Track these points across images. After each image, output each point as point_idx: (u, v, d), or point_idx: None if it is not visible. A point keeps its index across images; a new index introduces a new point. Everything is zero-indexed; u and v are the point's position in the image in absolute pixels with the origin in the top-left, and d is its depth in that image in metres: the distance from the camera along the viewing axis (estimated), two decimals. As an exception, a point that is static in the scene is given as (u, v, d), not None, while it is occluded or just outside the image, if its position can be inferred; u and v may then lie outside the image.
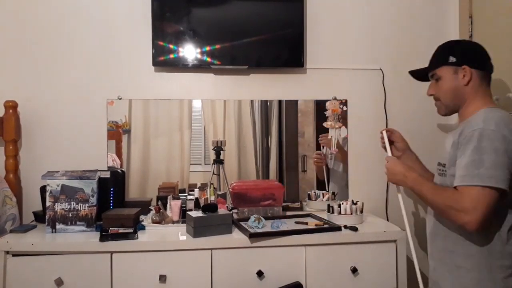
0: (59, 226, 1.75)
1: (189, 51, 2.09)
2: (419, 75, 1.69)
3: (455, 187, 1.31)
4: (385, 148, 1.76)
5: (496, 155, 1.25)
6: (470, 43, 1.57)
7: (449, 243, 1.42)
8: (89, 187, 1.78)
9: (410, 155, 1.77)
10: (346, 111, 2.26)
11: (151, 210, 1.93)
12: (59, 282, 1.59)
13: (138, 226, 1.77)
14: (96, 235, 1.67)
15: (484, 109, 1.38)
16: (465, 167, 1.28)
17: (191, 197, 2.00)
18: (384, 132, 1.75)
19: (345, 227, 1.81)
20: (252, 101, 2.25)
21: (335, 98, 2.25)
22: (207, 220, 1.70)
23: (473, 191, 1.26)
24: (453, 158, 1.37)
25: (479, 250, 1.34)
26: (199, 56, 2.10)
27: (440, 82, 1.50)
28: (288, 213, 2.05)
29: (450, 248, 1.42)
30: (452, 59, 1.46)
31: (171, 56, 2.09)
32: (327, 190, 2.27)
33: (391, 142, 1.77)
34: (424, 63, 2.30)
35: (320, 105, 2.26)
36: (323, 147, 2.28)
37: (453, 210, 1.29)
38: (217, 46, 2.10)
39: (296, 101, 2.27)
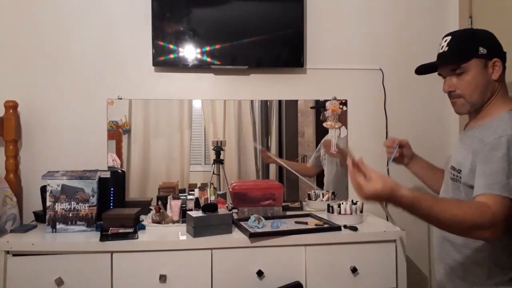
0: (59, 226, 1.75)
1: (189, 51, 2.09)
2: (424, 69, 1.50)
3: (476, 196, 1.18)
4: (388, 160, 1.61)
5: None
6: (489, 33, 1.35)
7: (461, 250, 1.33)
8: (90, 187, 1.78)
9: (420, 162, 1.66)
10: (346, 111, 2.26)
11: (151, 210, 1.93)
12: (59, 282, 1.59)
13: (138, 226, 1.77)
14: (96, 235, 1.67)
15: (508, 112, 1.27)
16: (493, 175, 1.15)
17: (191, 197, 2.00)
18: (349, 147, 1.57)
19: (345, 227, 1.81)
20: (252, 101, 2.25)
21: (335, 98, 2.25)
22: (207, 220, 1.70)
23: (505, 202, 1.12)
24: (471, 165, 1.25)
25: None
26: (199, 56, 2.10)
27: (466, 76, 1.31)
28: (288, 213, 2.05)
29: (461, 255, 1.32)
30: (482, 50, 1.29)
31: (171, 56, 2.09)
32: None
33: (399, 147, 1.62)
34: (424, 63, 2.32)
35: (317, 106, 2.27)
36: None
37: (479, 228, 1.12)
38: (217, 46, 2.10)
39: (296, 101, 2.27)
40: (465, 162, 1.28)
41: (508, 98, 1.33)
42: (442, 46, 1.36)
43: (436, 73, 1.44)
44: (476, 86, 1.31)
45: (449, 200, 1.26)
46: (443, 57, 1.36)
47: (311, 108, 2.28)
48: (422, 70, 1.49)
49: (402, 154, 1.64)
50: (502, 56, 1.31)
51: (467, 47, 1.31)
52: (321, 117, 2.26)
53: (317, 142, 2.29)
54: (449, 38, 1.34)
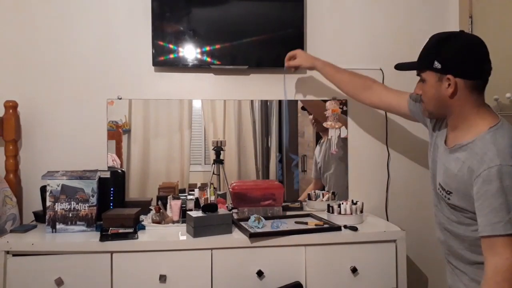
0: (59, 226, 1.75)
1: (189, 51, 2.09)
2: (402, 68, 1.49)
3: (480, 236, 1.17)
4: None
5: None
6: (463, 43, 1.28)
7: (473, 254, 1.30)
8: (89, 187, 1.78)
9: (320, 67, 1.98)
10: (346, 111, 2.26)
11: (151, 210, 1.93)
12: (59, 282, 1.59)
13: (138, 226, 1.77)
14: (96, 235, 1.67)
15: (487, 133, 1.21)
16: (493, 213, 1.12)
17: (191, 197, 2.00)
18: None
19: (345, 227, 1.81)
20: (252, 101, 2.25)
21: (335, 98, 2.25)
22: (207, 220, 1.70)
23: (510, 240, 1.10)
24: (463, 193, 1.24)
25: None
26: (199, 56, 2.10)
27: (425, 85, 1.33)
28: (288, 213, 2.05)
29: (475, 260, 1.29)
30: (436, 64, 1.26)
31: (171, 56, 2.09)
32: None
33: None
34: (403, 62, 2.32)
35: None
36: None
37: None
38: (217, 46, 2.10)
39: (296, 101, 2.27)
40: (455, 187, 1.27)
41: (486, 113, 1.27)
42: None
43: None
44: (430, 97, 1.32)
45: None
46: (405, 66, 1.46)
47: (302, 109, 2.27)
48: (400, 68, 1.51)
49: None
50: (467, 73, 1.24)
51: (425, 57, 1.33)
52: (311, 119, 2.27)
53: (317, 142, 2.29)
54: (428, 40, 1.36)
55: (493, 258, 1.13)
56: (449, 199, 1.30)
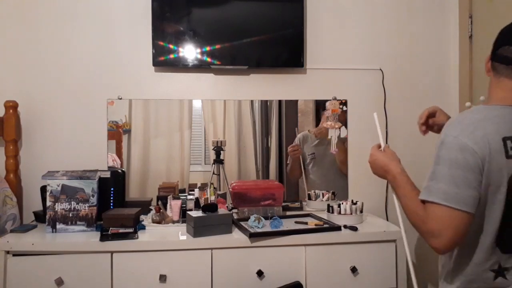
0: (59, 226, 1.75)
1: (189, 51, 2.09)
2: None
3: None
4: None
5: (453, 168, 1.04)
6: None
7: None
8: (90, 187, 1.78)
9: None
10: (346, 111, 2.26)
11: (151, 210, 1.93)
12: (59, 281, 1.59)
13: (138, 226, 1.77)
14: (96, 235, 1.67)
15: (469, 109, 1.18)
16: (428, 178, 1.10)
17: (191, 197, 2.00)
18: (375, 115, 1.48)
19: (345, 227, 1.81)
20: (252, 101, 2.25)
21: (335, 98, 2.25)
22: (207, 220, 1.70)
23: (437, 211, 1.05)
24: None
25: None
26: (199, 56, 2.10)
27: None
28: (288, 213, 2.06)
29: None
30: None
31: (171, 56, 2.09)
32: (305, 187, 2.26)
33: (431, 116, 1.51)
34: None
35: (319, 105, 2.27)
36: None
37: (419, 228, 1.11)
38: (217, 46, 2.10)
39: (296, 101, 2.27)
40: None
41: (489, 94, 1.21)
42: None
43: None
44: None
45: (412, 191, 1.19)
46: None
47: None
48: None
49: (431, 125, 1.53)
50: (493, 53, 1.18)
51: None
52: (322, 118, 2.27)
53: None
54: None
55: (425, 210, 1.12)
56: None
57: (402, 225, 1.36)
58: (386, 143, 2.26)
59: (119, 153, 2.14)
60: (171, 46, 2.08)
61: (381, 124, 2.18)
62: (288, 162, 2.27)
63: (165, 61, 2.09)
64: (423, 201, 1.09)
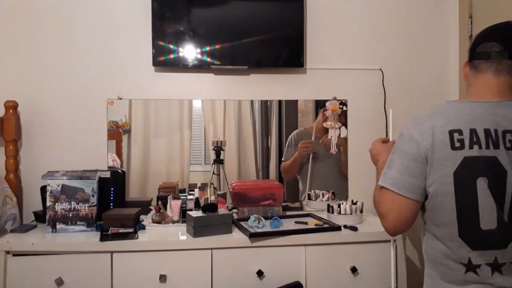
0: (59, 226, 1.75)
1: (189, 51, 2.09)
2: None
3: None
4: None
5: (401, 157, 1.12)
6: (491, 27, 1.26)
7: None
8: (90, 187, 1.78)
9: None
10: (346, 111, 2.26)
11: (151, 210, 1.93)
12: (59, 281, 1.59)
13: (138, 226, 1.78)
14: (96, 235, 1.67)
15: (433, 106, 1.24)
16: (385, 166, 1.18)
17: (191, 197, 2.00)
18: (391, 111, 1.59)
19: (345, 227, 1.81)
20: (252, 101, 2.25)
21: (335, 98, 2.25)
22: (207, 220, 1.70)
23: (387, 195, 1.14)
24: None
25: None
26: (199, 56, 2.10)
27: None
28: (288, 213, 2.06)
29: None
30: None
31: (171, 56, 2.09)
32: (300, 187, 2.26)
33: None
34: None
35: (320, 105, 2.27)
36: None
37: (377, 212, 1.20)
38: (217, 46, 2.10)
39: (296, 101, 2.27)
40: None
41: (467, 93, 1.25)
42: None
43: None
44: None
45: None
46: None
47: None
48: None
49: None
50: (469, 54, 1.24)
51: None
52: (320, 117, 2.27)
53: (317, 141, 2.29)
54: None
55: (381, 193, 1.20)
56: None
57: None
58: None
59: (119, 153, 2.14)
60: (171, 46, 2.08)
61: (379, 127, 2.16)
62: (283, 159, 2.26)
63: (165, 61, 2.09)
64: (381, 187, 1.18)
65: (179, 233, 1.75)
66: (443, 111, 1.14)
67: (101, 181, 1.84)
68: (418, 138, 1.10)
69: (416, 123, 1.14)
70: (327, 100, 2.25)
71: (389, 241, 1.77)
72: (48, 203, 1.75)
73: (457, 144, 1.07)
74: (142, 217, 1.91)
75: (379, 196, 1.18)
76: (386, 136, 1.55)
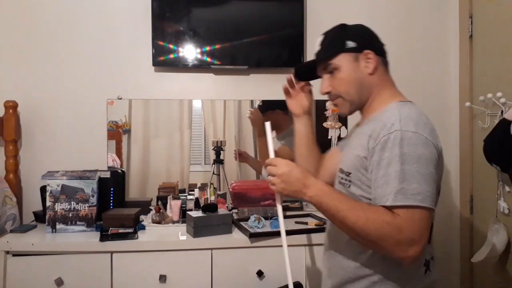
0: (59, 226, 1.75)
1: (189, 51, 2.09)
2: (304, 72, 1.36)
3: (383, 206, 1.01)
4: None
5: (422, 165, 0.99)
6: (362, 26, 1.23)
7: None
8: (89, 187, 1.78)
9: (308, 120, 1.40)
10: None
11: (151, 210, 1.93)
12: (59, 282, 1.59)
13: (138, 226, 1.77)
14: (96, 235, 1.67)
15: (396, 103, 1.13)
16: (394, 181, 0.99)
17: (191, 197, 2.00)
18: (267, 124, 1.22)
19: (345, 227, 1.81)
20: (252, 101, 2.25)
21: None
22: (207, 220, 1.70)
23: (416, 215, 0.98)
24: (360, 165, 1.10)
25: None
26: (199, 56, 2.10)
27: (338, 74, 1.18)
28: (288, 213, 2.05)
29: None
30: (350, 44, 1.17)
31: (171, 56, 2.09)
32: None
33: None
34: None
35: (320, 105, 2.26)
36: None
37: (391, 239, 0.98)
38: (217, 46, 2.10)
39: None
40: (353, 164, 1.12)
41: (393, 90, 1.23)
42: (316, 47, 1.25)
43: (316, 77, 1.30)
44: (350, 82, 1.18)
45: (357, 202, 1.07)
46: (316, 56, 1.24)
47: (258, 107, 2.24)
48: (302, 74, 1.37)
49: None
50: (378, 49, 1.20)
51: (334, 43, 1.20)
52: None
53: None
54: (322, 37, 1.23)
55: (398, 218, 1.02)
56: (350, 181, 1.13)
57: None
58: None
59: (119, 153, 2.14)
60: (171, 46, 2.08)
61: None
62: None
63: (165, 61, 2.09)
64: (393, 207, 0.99)
65: (179, 233, 1.75)
66: (421, 111, 1.12)
67: (101, 181, 1.84)
68: (432, 141, 1.03)
69: (419, 125, 1.04)
70: (327, 100, 2.25)
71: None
72: (48, 203, 1.75)
73: (441, 145, 1.09)
74: (142, 217, 1.91)
75: (399, 219, 0.98)
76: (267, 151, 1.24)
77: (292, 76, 1.40)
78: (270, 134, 1.19)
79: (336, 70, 1.19)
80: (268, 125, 1.19)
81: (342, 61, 1.18)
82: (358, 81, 1.18)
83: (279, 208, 1.21)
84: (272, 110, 2.23)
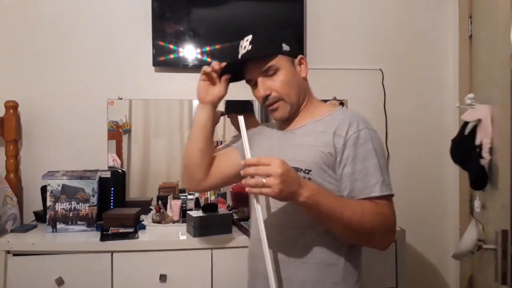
0: (59, 225, 1.75)
1: (189, 51, 2.09)
2: (231, 71, 1.31)
3: (365, 198, 1.07)
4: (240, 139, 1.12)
5: (385, 159, 1.15)
6: (292, 31, 1.27)
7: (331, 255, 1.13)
8: (90, 187, 1.79)
9: (212, 112, 1.33)
10: (346, 111, 2.26)
11: (152, 210, 1.93)
12: (59, 281, 1.59)
13: (138, 225, 1.78)
14: (96, 235, 1.68)
15: (341, 110, 1.24)
16: (369, 176, 1.06)
17: (191, 196, 2.01)
18: (241, 118, 1.06)
19: (345, 226, 1.81)
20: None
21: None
22: (207, 220, 1.70)
23: (392, 203, 1.09)
24: (322, 161, 1.10)
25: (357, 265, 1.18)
26: (199, 56, 2.10)
27: (279, 76, 1.17)
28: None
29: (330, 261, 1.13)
30: (286, 47, 1.17)
31: (171, 56, 2.09)
32: None
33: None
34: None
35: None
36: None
37: (383, 228, 1.06)
38: (217, 46, 2.10)
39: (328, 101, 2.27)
40: (315, 161, 1.10)
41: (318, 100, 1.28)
42: (245, 46, 1.20)
43: (247, 81, 1.27)
44: (291, 85, 1.18)
45: (347, 200, 1.08)
46: (248, 55, 1.19)
47: (221, 115, 2.18)
48: (228, 72, 1.30)
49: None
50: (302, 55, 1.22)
51: (271, 44, 1.18)
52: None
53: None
54: (250, 37, 1.20)
55: (384, 206, 1.10)
56: (309, 179, 1.09)
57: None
58: (386, 143, 2.26)
59: (119, 153, 2.14)
60: (171, 46, 2.08)
61: (379, 128, 2.10)
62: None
63: (165, 61, 2.09)
64: (378, 198, 1.06)
65: (179, 233, 1.75)
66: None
67: (102, 181, 1.85)
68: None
69: (371, 125, 1.16)
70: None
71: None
72: (49, 203, 1.76)
73: None
74: (142, 217, 1.92)
75: (385, 208, 1.06)
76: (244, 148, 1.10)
77: (219, 66, 1.30)
78: (244, 129, 1.05)
79: (277, 72, 1.17)
80: (241, 119, 1.05)
81: (282, 62, 1.17)
82: (297, 84, 1.19)
83: (259, 209, 1.04)
84: (235, 114, 2.18)
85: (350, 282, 1.14)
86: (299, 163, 1.10)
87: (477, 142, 1.63)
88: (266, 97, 1.19)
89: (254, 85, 1.23)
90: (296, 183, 0.98)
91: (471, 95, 1.79)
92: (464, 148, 1.69)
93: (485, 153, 1.58)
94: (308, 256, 1.12)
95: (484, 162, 1.59)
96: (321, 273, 1.11)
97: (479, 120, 1.64)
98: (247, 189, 0.98)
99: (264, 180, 0.95)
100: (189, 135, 1.35)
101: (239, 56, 1.23)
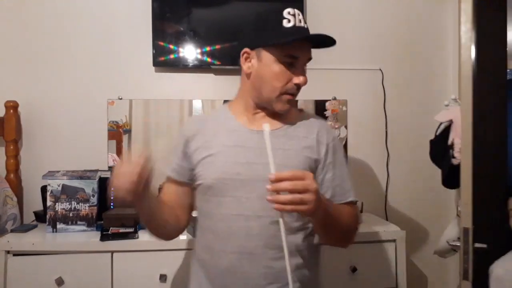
0: (59, 225, 1.75)
1: (189, 51, 2.09)
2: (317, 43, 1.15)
3: (347, 203, 1.15)
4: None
5: None
6: None
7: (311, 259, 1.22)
8: (90, 187, 1.79)
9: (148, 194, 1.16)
10: (345, 111, 2.26)
11: (152, 210, 1.93)
12: (59, 281, 1.59)
13: (138, 225, 1.78)
14: (96, 235, 1.68)
15: (310, 111, 1.30)
16: (345, 181, 1.16)
17: (191, 197, 2.00)
18: (266, 126, 0.96)
19: (345, 226, 1.81)
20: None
21: (335, 98, 2.25)
22: (207, 220, 1.70)
23: (355, 206, 1.20)
24: (308, 166, 1.10)
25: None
26: (199, 56, 2.10)
27: (305, 70, 1.15)
28: (288, 213, 2.05)
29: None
30: None
31: (171, 56, 2.09)
32: None
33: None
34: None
35: (320, 105, 2.26)
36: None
37: (356, 230, 1.17)
38: (217, 46, 2.10)
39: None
40: (302, 166, 1.09)
41: None
42: (300, 20, 1.09)
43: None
44: None
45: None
46: (322, 35, 1.07)
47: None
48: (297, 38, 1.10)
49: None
50: None
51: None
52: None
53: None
54: (301, 15, 1.11)
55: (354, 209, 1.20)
56: None
57: None
58: (386, 143, 2.27)
59: (119, 153, 2.14)
60: (171, 46, 2.08)
61: (379, 128, 2.11)
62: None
63: (165, 61, 2.09)
64: (352, 202, 1.17)
65: (179, 233, 1.75)
66: None
67: (102, 181, 1.85)
68: None
69: None
70: (327, 100, 2.26)
71: (389, 241, 1.77)
72: (49, 203, 1.76)
73: None
74: (142, 217, 1.91)
75: (357, 211, 1.21)
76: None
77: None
78: (269, 141, 0.93)
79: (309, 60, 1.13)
80: (267, 129, 0.94)
81: None
82: None
83: (283, 226, 0.95)
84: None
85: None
86: (290, 168, 0.97)
87: (450, 142, 1.67)
88: (299, 86, 1.11)
89: (290, 64, 1.09)
90: (322, 198, 0.95)
91: (453, 96, 1.82)
92: (439, 148, 1.74)
93: (456, 153, 1.62)
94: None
95: (456, 161, 1.62)
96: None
97: (451, 121, 1.68)
98: (276, 206, 0.88)
99: (301, 196, 0.88)
100: (144, 223, 1.26)
101: (304, 27, 1.09)
